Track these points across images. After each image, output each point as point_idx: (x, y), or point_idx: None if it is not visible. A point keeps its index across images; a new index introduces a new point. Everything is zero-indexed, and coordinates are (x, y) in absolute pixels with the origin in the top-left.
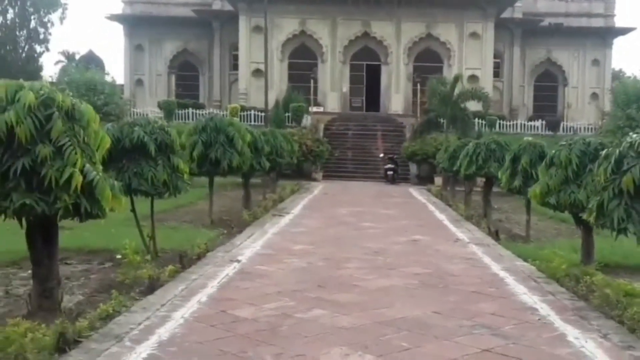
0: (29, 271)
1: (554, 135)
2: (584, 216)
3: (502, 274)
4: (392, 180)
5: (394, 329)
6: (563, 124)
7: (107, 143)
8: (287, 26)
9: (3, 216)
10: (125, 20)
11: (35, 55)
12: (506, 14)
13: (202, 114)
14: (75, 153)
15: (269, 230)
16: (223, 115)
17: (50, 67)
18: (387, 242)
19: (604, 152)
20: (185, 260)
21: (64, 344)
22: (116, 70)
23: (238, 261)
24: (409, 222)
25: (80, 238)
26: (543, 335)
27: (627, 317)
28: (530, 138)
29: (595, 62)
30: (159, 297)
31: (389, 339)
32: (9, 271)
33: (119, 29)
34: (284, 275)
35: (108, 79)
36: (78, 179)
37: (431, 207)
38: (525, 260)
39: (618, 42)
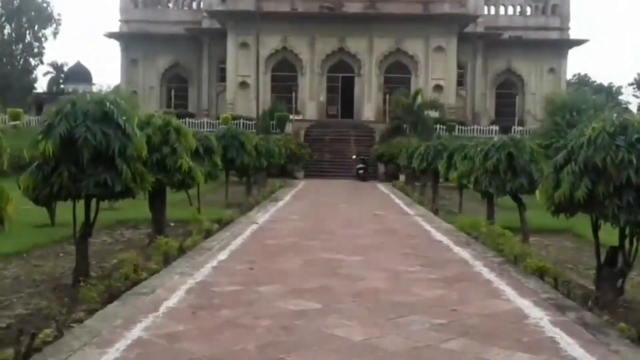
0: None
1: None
2: (470, 186)
3: (430, 228)
4: (363, 178)
5: (361, 248)
6: (513, 128)
7: (194, 145)
8: (270, 42)
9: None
10: (122, 37)
11: (30, 67)
12: (469, 28)
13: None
14: (182, 151)
15: (270, 209)
16: (218, 124)
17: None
18: (356, 214)
19: (485, 148)
20: (222, 223)
21: (181, 251)
22: (102, 80)
23: (257, 223)
24: (373, 205)
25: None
26: (442, 252)
27: (491, 243)
28: (483, 139)
29: (552, 70)
30: (222, 235)
31: (358, 250)
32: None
33: (107, 41)
34: (288, 229)
35: (94, 89)
36: (186, 165)
37: (392, 196)
38: (449, 223)
39: (586, 48)
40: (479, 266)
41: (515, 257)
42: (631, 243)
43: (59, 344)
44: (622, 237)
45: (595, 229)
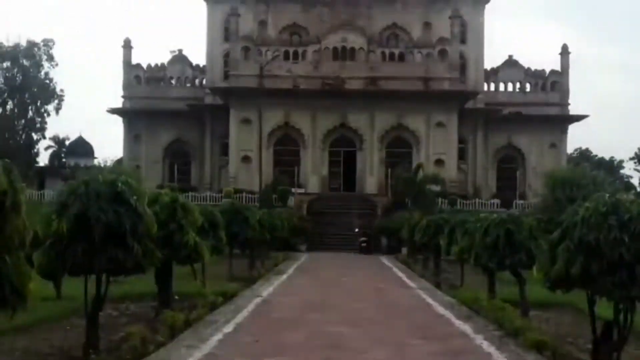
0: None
1: (507, 212)
2: (471, 261)
3: (432, 302)
4: (366, 251)
5: (364, 321)
6: (515, 202)
7: (200, 222)
8: (272, 118)
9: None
10: (125, 113)
11: (32, 142)
12: (470, 104)
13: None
14: (189, 227)
15: (274, 282)
16: (220, 197)
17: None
18: (359, 288)
19: (485, 224)
20: (226, 297)
21: (187, 324)
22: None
23: (261, 297)
24: (376, 278)
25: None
26: (443, 325)
27: (492, 317)
28: (484, 214)
29: (553, 146)
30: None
31: (361, 323)
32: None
33: (110, 115)
34: (292, 302)
35: (95, 162)
36: (192, 241)
37: (395, 269)
38: (451, 297)
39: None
40: (479, 339)
41: (515, 331)
42: (625, 318)
43: None
44: (616, 312)
45: (591, 304)
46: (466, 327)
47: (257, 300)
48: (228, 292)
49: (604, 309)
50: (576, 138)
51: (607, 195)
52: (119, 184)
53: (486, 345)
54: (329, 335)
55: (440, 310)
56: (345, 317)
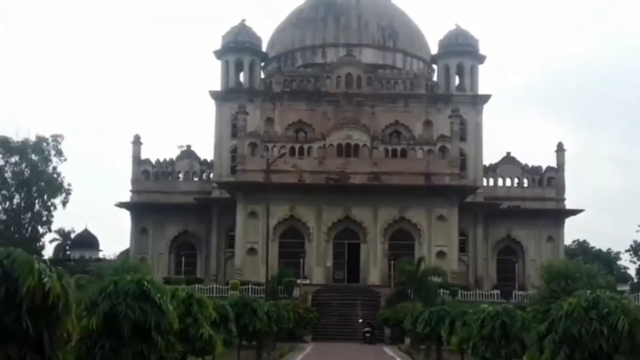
0: None
1: (507, 302)
2: (469, 351)
3: None
4: (370, 341)
5: None
6: (514, 293)
7: (214, 316)
8: (278, 212)
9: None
10: (133, 207)
11: (38, 235)
12: (470, 198)
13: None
14: (203, 321)
15: None
16: (227, 289)
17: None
18: None
19: (481, 316)
20: None
21: None
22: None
23: None
24: None
25: None
26: None
27: None
28: (486, 306)
29: (550, 238)
30: None
31: None
32: None
33: (115, 209)
34: None
35: (100, 255)
36: (207, 334)
37: (398, 359)
38: None
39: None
40: None
41: None
42: None
43: None
44: None
45: None
46: None
47: None
48: None
49: None
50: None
51: (589, 292)
52: (145, 283)
53: None
54: None
55: None
56: None
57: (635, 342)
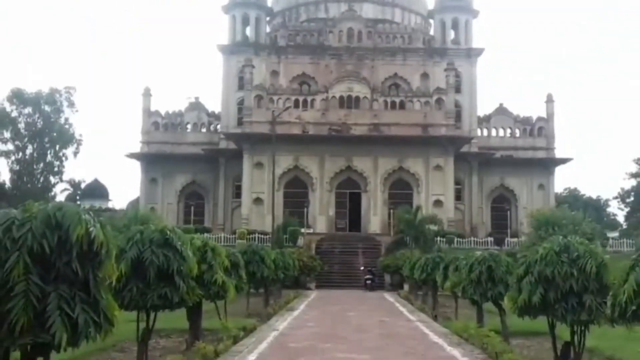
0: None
1: (500, 249)
2: (459, 294)
3: (428, 332)
4: (371, 288)
5: (369, 348)
6: (507, 240)
7: (226, 263)
8: (283, 162)
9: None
10: (143, 158)
11: (50, 185)
12: (465, 149)
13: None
14: (217, 267)
15: (288, 317)
16: (234, 238)
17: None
18: (364, 321)
19: (470, 262)
20: (246, 331)
21: (216, 354)
22: (118, 197)
23: (277, 330)
24: (380, 312)
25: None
26: (436, 350)
27: (478, 343)
28: (479, 252)
29: (541, 186)
30: (248, 340)
31: (366, 350)
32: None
33: (125, 159)
34: (305, 334)
35: (110, 205)
36: (220, 280)
37: (397, 305)
38: (445, 327)
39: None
40: None
41: (495, 354)
42: (579, 338)
43: None
44: (572, 334)
45: (552, 327)
46: (455, 352)
47: (275, 333)
48: (247, 327)
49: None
50: (567, 178)
51: (561, 237)
52: (168, 232)
53: None
54: None
55: (435, 338)
56: (353, 346)
57: (602, 282)
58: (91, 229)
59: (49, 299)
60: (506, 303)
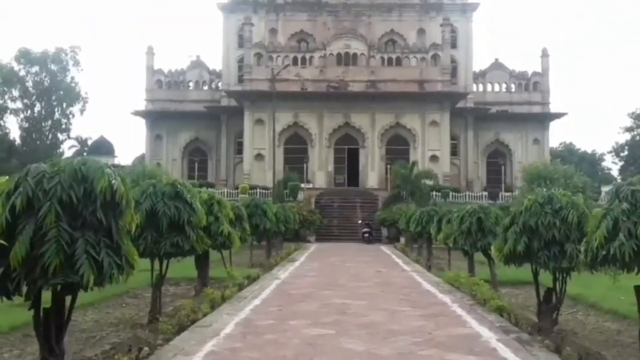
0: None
1: (494, 203)
2: (451, 245)
3: (422, 281)
4: (368, 241)
5: (365, 295)
6: (501, 194)
7: (231, 215)
8: (282, 119)
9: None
10: (148, 115)
11: (58, 142)
12: (460, 104)
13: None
14: (223, 219)
15: (289, 268)
16: (236, 193)
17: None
18: (361, 271)
19: (460, 214)
20: (250, 279)
21: (223, 299)
22: (124, 153)
23: (279, 279)
24: (376, 263)
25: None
26: (428, 297)
27: (467, 291)
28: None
29: (536, 141)
30: (252, 287)
31: (363, 297)
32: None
33: (130, 117)
34: (306, 282)
35: (116, 161)
36: (226, 230)
37: (393, 257)
38: (438, 277)
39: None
40: (454, 307)
41: (483, 300)
42: (560, 285)
43: (157, 355)
44: (554, 280)
45: (535, 274)
46: (446, 299)
47: (277, 281)
48: (252, 276)
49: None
50: (563, 132)
51: (545, 189)
52: (178, 185)
53: (459, 310)
54: (337, 305)
55: (428, 287)
56: (350, 292)
57: (583, 232)
58: (113, 182)
59: (77, 244)
60: (493, 252)
